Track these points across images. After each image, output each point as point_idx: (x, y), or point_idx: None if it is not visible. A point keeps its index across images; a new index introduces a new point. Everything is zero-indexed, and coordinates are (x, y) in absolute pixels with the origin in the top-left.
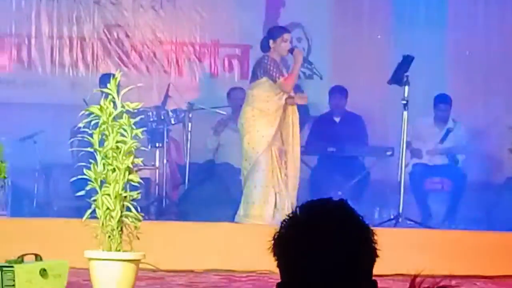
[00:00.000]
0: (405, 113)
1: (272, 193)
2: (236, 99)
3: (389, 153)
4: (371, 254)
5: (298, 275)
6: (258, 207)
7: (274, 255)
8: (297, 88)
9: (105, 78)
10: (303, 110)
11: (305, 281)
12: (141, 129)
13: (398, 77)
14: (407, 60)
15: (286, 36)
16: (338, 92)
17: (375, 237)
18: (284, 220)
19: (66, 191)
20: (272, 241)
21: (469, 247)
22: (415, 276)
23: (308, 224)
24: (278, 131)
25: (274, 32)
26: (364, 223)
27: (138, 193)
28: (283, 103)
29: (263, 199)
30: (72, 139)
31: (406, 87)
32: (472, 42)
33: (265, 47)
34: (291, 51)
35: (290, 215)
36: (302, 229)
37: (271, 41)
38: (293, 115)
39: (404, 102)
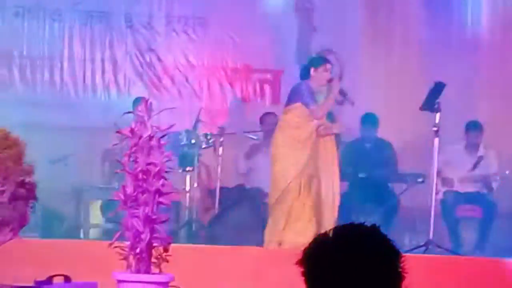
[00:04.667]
0: (436, 139)
1: (300, 221)
2: (269, 124)
3: (420, 180)
4: (397, 278)
5: None
6: (283, 233)
7: (302, 272)
8: (330, 115)
9: (138, 101)
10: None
11: None
12: (170, 152)
13: (430, 104)
14: (438, 87)
15: (328, 66)
16: (370, 121)
17: (403, 262)
18: (315, 239)
19: (96, 213)
20: (301, 257)
21: (499, 275)
22: None
23: (337, 245)
24: (310, 159)
25: (316, 60)
26: (392, 247)
27: (167, 216)
28: (314, 131)
29: (290, 227)
30: (103, 162)
31: (438, 114)
32: (504, 67)
33: (304, 74)
34: (329, 81)
35: (321, 235)
36: (330, 248)
37: (312, 69)
38: (329, 143)
39: (435, 129)
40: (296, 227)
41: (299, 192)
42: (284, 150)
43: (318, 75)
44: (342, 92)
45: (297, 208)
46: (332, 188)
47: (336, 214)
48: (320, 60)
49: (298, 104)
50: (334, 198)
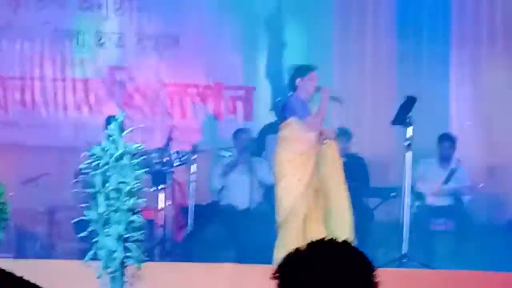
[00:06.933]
0: (408, 153)
1: (309, 236)
2: (242, 140)
3: (393, 194)
4: None
5: None
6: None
7: (277, 285)
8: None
9: (110, 120)
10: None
11: None
12: (142, 170)
13: (401, 118)
14: (410, 101)
15: (313, 74)
16: (342, 135)
17: (376, 274)
18: (289, 253)
19: (69, 233)
20: (276, 270)
21: (473, 287)
22: None
23: (311, 258)
24: (314, 171)
25: (301, 70)
26: (365, 260)
27: (140, 234)
28: (315, 142)
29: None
30: (75, 181)
31: (409, 128)
32: (476, 81)
33: (291, 86)
34: (317, 89)
35: (295, 249)
36: (304, 262)
37: (298, 80)
38: (331, 151)
39: (407, 143)
40: None
41: (307, 207)
42: (289, 165)
43: (305, 85)
44: (334, 98)
45: (309, 224)
46: (340, 200)
47: (348, 228)
48: (305, 70)
49: (292, 119)
50: (344, 212)
